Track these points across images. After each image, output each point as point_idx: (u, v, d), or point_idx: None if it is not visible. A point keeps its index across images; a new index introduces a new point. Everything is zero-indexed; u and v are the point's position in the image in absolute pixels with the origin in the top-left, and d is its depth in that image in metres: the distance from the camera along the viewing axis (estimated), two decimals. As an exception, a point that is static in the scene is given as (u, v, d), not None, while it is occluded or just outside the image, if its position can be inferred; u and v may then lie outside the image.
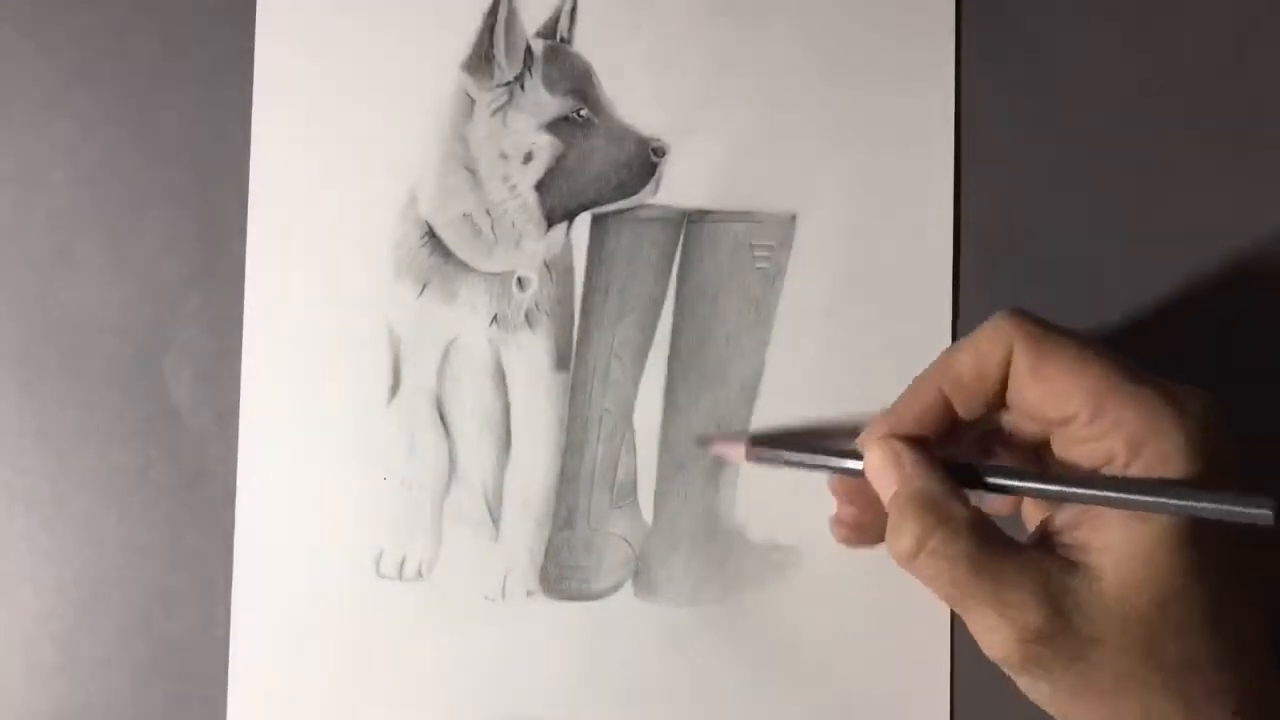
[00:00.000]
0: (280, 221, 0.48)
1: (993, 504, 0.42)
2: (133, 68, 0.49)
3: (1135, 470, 0.36)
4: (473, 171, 0.48)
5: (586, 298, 0.48)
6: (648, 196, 0.48)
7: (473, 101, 0.48)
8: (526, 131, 0.48)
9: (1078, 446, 0.38)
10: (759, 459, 0.45)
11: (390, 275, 0.48)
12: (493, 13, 0.48)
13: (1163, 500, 0.35)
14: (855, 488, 0.42)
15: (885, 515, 0.39)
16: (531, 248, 0.48)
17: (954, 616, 0.47)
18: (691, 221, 0.48)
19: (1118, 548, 0.36)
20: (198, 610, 0.47)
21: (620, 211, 0.48)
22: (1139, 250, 0.48)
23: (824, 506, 0.44)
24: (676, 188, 0.48)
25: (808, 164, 0.48)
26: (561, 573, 0.48)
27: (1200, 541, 0.35)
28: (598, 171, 0.48)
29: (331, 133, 0.48)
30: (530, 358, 0.48)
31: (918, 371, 0.41)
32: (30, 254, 0.48)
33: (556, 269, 0.48)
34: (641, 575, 0.47)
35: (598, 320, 0.48)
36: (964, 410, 0.40)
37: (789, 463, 0.44)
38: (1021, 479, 0.38)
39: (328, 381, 0.48)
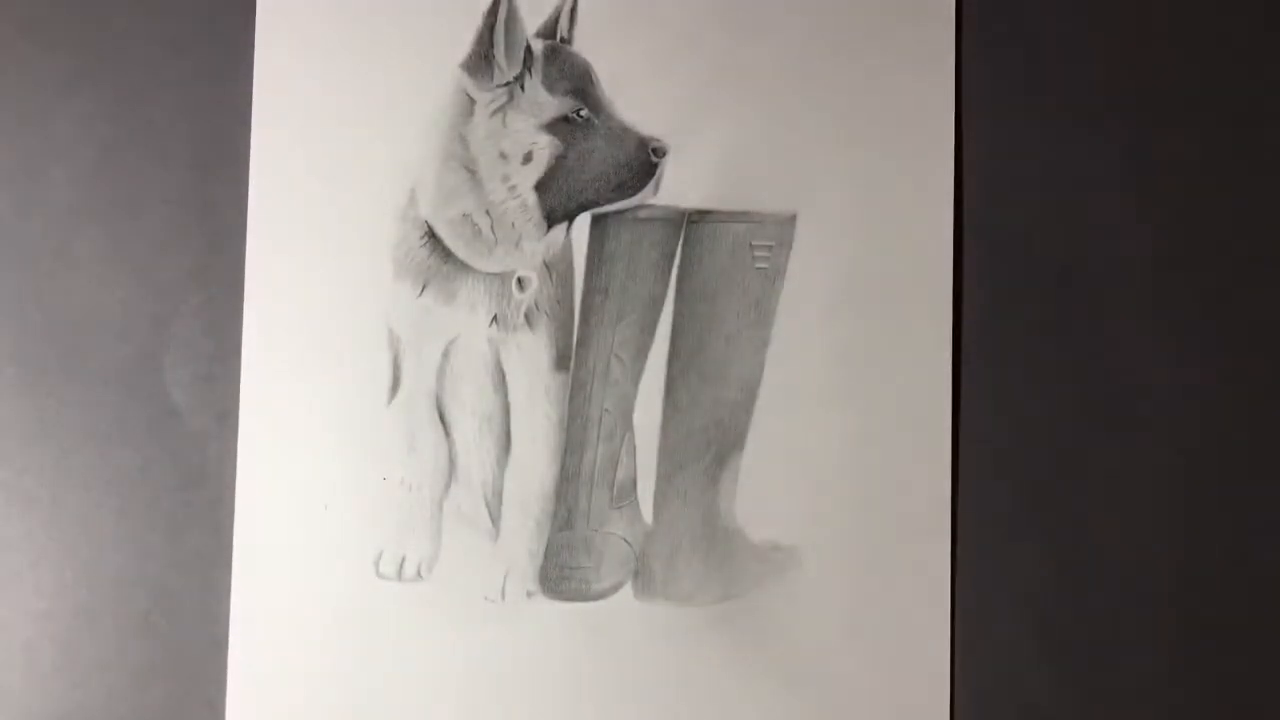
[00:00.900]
0: (280, 221, 0.48)
1: None
2: (133, 68, 0.49)
3: None
4: (472, 171, 0.48)
5: (586, 298, 0.48)
6: (648, 197, 0.48)
7: (473, 101, 0.48)
8: (526, 131, 0.48)
9: None
10: None
11: (390, 275, 0.48)
12: (493, 13, 0.48)
13: None
14: None
15: None
16: (531, 248, 0.48)
17: (954, 616, 0.47)
18: (691, 221, 0.48)
19: None
20: (198, 610, 0.47)
21: (620, 212, 0.48)
22: (1138, 250, 0.48)
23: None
24: (676, 188, 0.48)
25: (808, 164, 0.48)
26: (561, 573, 0.47)
27: None
28: (597, 171, 0.48)
29: (331, 132, 0.48)
30: (530, 358, 0.48)
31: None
32: (30, 253, 0.48)
33: (556, 269, 0.48)
34: (641, 576, 0.47)
35: (598, 320, 0.48)
36: None
37: None
38: None
39: (327, 381, 0.48)
